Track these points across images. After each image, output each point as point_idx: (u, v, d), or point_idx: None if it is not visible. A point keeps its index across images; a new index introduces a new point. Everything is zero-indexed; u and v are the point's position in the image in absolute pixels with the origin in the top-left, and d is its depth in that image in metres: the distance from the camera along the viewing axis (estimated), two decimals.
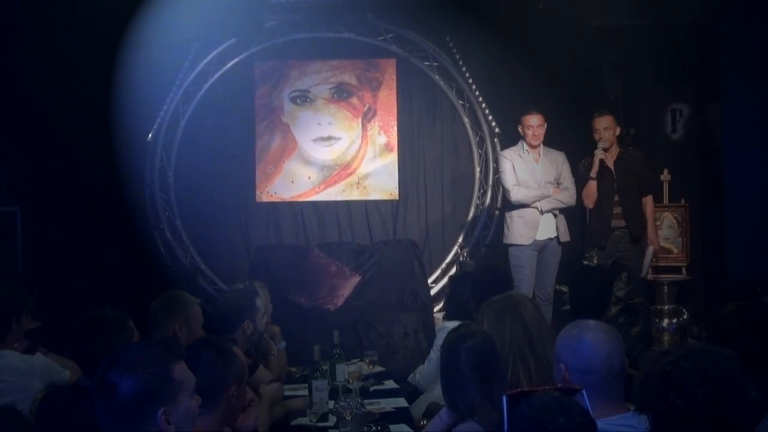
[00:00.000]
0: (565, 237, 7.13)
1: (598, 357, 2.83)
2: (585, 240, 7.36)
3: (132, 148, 8.18)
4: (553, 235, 7.06)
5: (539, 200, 7.02)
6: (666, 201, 7.88)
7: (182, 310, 4.21)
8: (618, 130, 7.15)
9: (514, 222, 7.06)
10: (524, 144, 7.12)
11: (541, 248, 7.04)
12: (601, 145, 7.02)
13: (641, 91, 8.30)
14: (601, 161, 7.01)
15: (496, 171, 7.96)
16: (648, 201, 7.23)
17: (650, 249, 7.18)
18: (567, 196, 7.11)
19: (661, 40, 7.92)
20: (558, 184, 7.14)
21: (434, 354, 4.93)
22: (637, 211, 7.15)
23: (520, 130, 7.15)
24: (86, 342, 3.51)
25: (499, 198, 8.35)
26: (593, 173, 7.04)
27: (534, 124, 7.05)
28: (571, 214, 7.49)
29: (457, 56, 8.58)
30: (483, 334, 3.23)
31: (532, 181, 7.04)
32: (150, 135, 8.38)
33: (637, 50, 8.18)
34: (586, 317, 3.19)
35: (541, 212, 7.01)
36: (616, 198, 7.11)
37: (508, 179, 7.08)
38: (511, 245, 7.10)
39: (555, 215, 7.09)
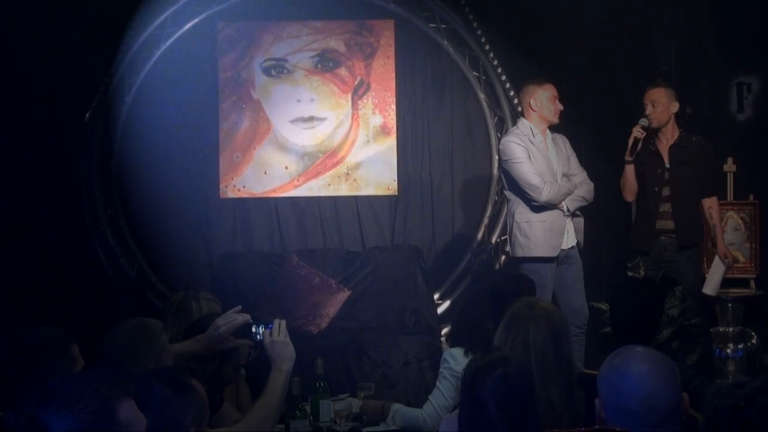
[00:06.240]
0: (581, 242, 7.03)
1: (637, 395, 2.84)
2: (627, 246, 7.38)
3: (64, 131, 8.18)
4: (574, 241, 6.95)
5: (566, 198, 6.89)
6: (730, 197, 7.91)
7: (150, 348, 4.04)
8: (675, 107, 7.12)
9: (535, 229, 6.75)
10: (531, 126, 6.88)
11: (560, 260, 6.91)
12: (642, 121, 7.00)
13: (700, 60, 8.32)
14: (637, 141, 6.98)
15: None
16: (712, 203, 7.22)
17: (718, 262, 7.19)
18: (589, 190, 6.96)
19: None
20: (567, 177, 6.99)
21: (439, 389, 4.93)
22: (693, 211, 7.14)
23: (532, 104, 6.86)
24: (14, 369, 3.50)
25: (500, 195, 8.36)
26: (627, 155, 7.03)
27: (557, 94, 6.91)
28: (613, 214, 7.51)
29: (471, 16, 8.59)
30: (517, 363, 3.24)
31: (550, 175, 6.80)
32: (87, 114, 8.38)
33: (695, 9, 8.19)
34: (631, 342, 3.21)
35: (568, 214, 6.88)
36: (666, 192, 7.11)
37: (533, 174, 6.72)
38: (532, 260, 6.77)
39: (576, 215, 6.97)
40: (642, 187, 7.15)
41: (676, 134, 7.15)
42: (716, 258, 7.25)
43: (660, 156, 7.12)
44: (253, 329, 4.16)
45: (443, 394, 4.84)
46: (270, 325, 4.12)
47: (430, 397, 4.91)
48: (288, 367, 4.07)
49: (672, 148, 7.12)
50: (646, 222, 7.12)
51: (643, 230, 7.14)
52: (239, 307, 4.24)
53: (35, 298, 7.56)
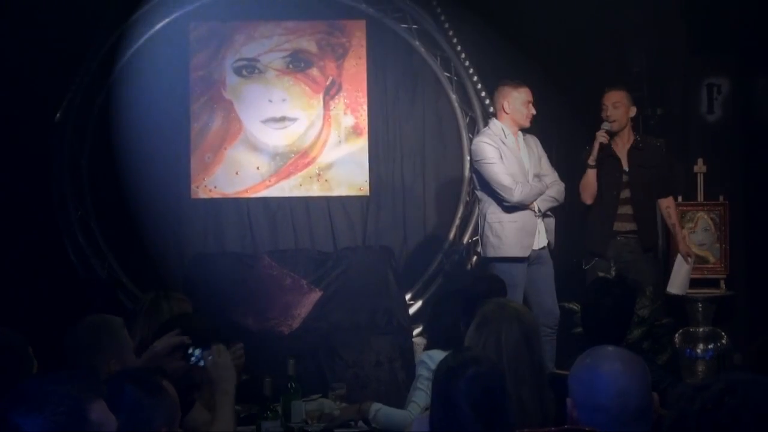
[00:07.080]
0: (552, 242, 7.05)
1: (610, 392, 2.86)
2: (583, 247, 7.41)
3: (35, 131, 8.14)
4: (545, 242, 6.96)
5: (537, 198, 6.89)
6: (700, 198, 7.94)
7: (112, 343, 4.04)
8: (633, 111, 7.18)
9: (506, 229, 6.76)
10: (503, 127, 6.89)
11: (531, 260, 6.91)
12: (605, 125, 7.04)
13: (671, 62, 8.35)
14: (602, 145, 7.02)
15: None
16: (669, 203, 7.29)
17: (681, 260, 7.26)
18: (560, 191, 6.99)
19: None
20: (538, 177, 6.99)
21: (423, 391, 4.91)
22: (653, 213, 7.21)
23: (505, 106, 6.86)
24: None
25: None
26: (591, 159, 7.05)
27: (531, 99, 6.92)
28: (584, 215, 7.53)
29: (443, 17, 8.59)
30: (489, 362, 3.25)
31: (521, 176, 6.82)
32: (58, 114, 8.35)
33: (666, 11, 8.23)
34: (602, 342, 3.23)
35: (539, 214, 6.89)
36: (625, 195, 7.16)
37: (505, 175, 6.72)
38: (503, 260, 6.78)
39: (547, 216, 6.98)
40: (598, 189, 7.17)
41: (632, 138, 7.20)
42: (678, 257, 7.31)
43: (618, 159, 7.15)
44: (189, 351, 4.09)
45: (428, 395, 4.81)
46: (208, 348, 4.05)
47: (413, 399, 4.83)
48: (232, 389, 4.01)
49: (631, 152, 7.16)
50: (604, 224, 7.15)
51: (599, 232, 7.17)
52: (178, 330, 4.18)
53: (3, 298, 7.51)
